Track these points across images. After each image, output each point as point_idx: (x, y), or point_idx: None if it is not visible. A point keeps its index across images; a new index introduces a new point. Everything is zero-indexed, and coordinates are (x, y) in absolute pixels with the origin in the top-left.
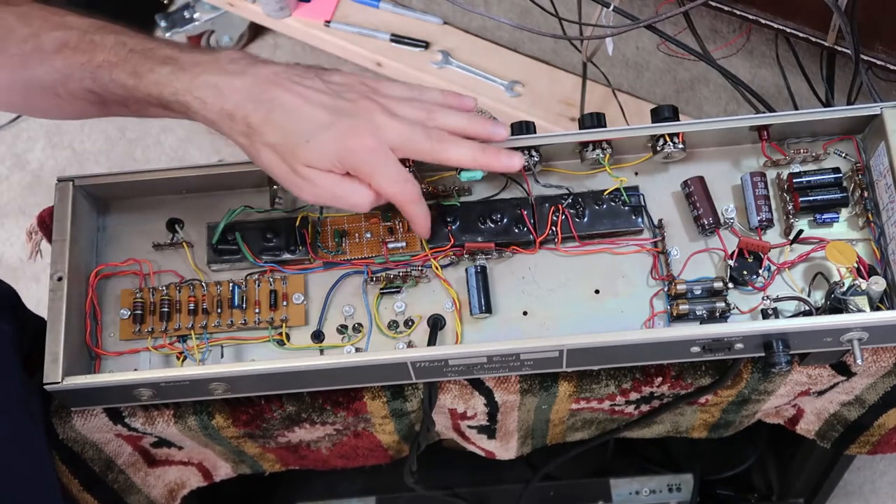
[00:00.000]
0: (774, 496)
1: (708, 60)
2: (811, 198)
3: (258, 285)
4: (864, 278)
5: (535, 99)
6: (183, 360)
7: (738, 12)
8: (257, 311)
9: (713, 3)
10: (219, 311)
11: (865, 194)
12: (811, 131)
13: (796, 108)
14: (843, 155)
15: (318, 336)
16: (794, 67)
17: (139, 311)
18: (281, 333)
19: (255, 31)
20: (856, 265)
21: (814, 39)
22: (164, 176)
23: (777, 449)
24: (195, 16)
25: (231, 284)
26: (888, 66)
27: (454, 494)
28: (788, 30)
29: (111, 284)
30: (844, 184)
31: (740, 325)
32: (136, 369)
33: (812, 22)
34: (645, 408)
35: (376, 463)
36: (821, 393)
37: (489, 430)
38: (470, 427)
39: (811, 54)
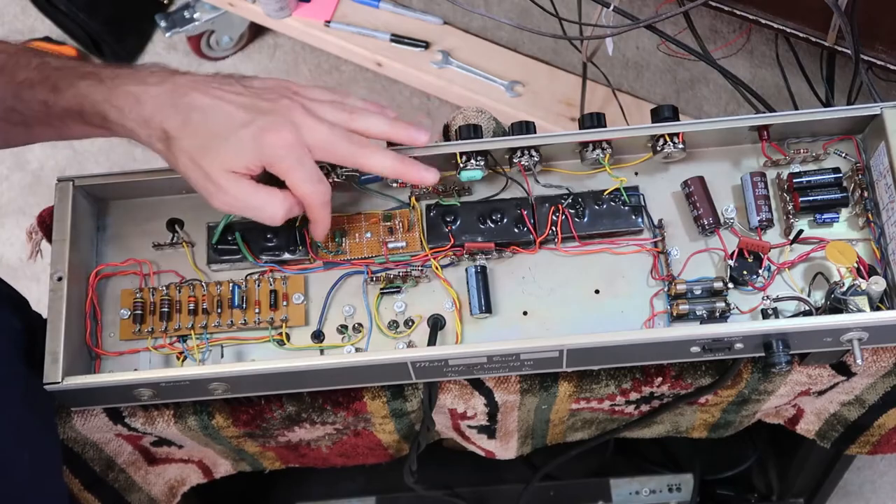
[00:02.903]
0: (774, 496)
1: (708, 60)
2: (811, 198)
3: (258, 285)
4: (864, 278)
5: (535, 99)
6: (183, 360)
7: (738, 12)
8: (257, 311)
9: (713, 3)
10: (219, 311)
11: (865, 194)
12: (811, 131)
13: (796, 108)
14: (844, 155)
15: (318, 336)
16: (794, 67)
17: (139, 311)
18: (281, 333)
19: (255, 31)
20: (856, 265)
21: (814, 39)
22: (164, 176)
23: (777, 449)
24: (195, 16)
25: (231, 284)
26: (888, 66)
27: (454, 494)
28: (788, 30)
29: (111, 284)
30: (844, 184)
31: (740, 326)
32: (136, 369)
33: (812, 22)
34: (645, 408)
35: (376, 461)
36: (821, 393)
37: (489, 430)
38: (470, 427)
39: (811, 54)
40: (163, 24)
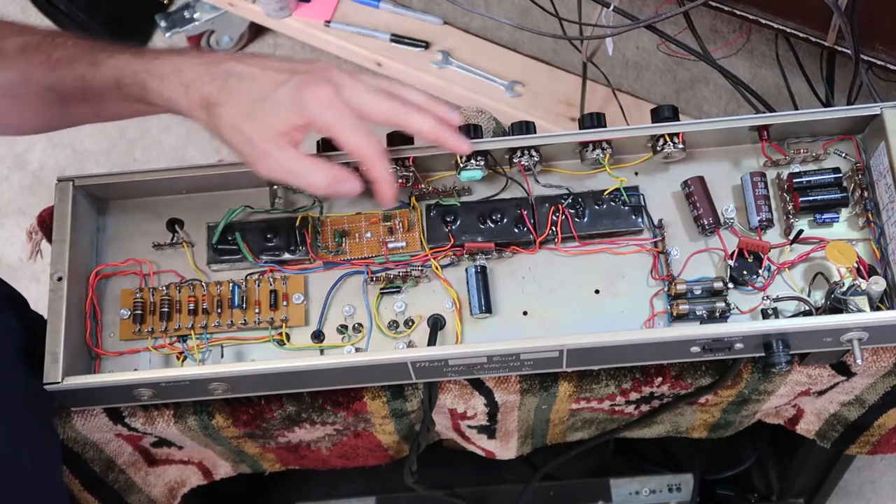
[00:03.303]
0: (774, 496)
1: (708, 60)
2: (811, 198)
3: (258, 285)
4: (864, 278)
5: (535, 99)
6: (183, 360)
7: (738, 12)
8: (257, 311)
9: (713, 3)
10: (219, 311)
11: (865, 194)
12: (811, 131)
13: (796, 108)
14: (844, 155)
15: (318, 336)
16: (794, 67)
17: (139, 311)
18: (281, 333)
19: (255, 31)
20: (856, 265)
21: (814, 39)
22: (164, 176)
23: (777, 449)
24: (195, 16)
25: (231, 284)
26: (888, 66)
27: (454, 494)
28: (788, 30)
29: (111, 284)
30: (844, 184)
31: (740, 326)
32: (136, 369)
33: (812, 22)
34: (645, 408)
35: (376, 463)
36: (821, 393)
37: (489, 430)
38: (470, 427)
39: (811, 54)
40: (163, 24)
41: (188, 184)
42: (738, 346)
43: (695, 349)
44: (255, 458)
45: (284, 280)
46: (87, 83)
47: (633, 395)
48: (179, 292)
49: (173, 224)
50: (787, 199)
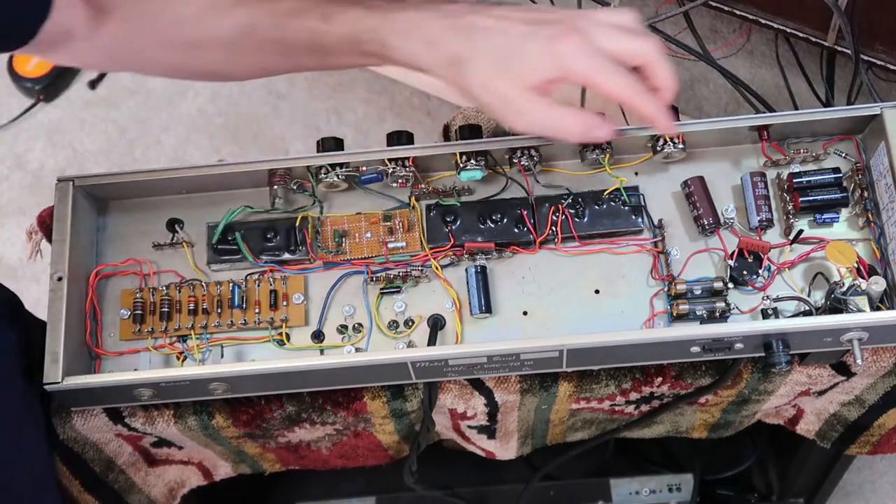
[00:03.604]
0: (774, 496)
1: (708, 60)
2: (811, 198)
3: (258, 285)
4: (864, 278)
5: None
6: (183, 360)
7: (738, 12)
8: (257, 311)
9: (713, 3)
10: (219, 311)
11: (865, 194)
12: (811, 131)
13: (796, 108)
14: (844, 155)
15: (318, 336)
16: (794, 67)
17: (139, 311)
18: (281, 333)
19: None
20: (856, 265)
21: (814, 39)
22: (164, 176)
23: (777, 449)
24: None
25: (231, 284)
26: (888, 66)
27: (454, 494)
28: (788, 30)
29: (111, 284)
30: (844, 184)
31: (740, 325)
32: (136, 369)
33: (812, 22)
34: (645, 408)
35: (376, 463)
36: (821, 393)
37: (489, 430)
38: (470, 427)
39: (811, 54)
40: None
41: (188, 184)
42: (739, 346)
43: (695, 349)
44: (256, 459)
45: (284, 280)
46: (318, 37)
47: (633, 395)
48: (179, 292)
49: (173, 224)
50: (788, 199)
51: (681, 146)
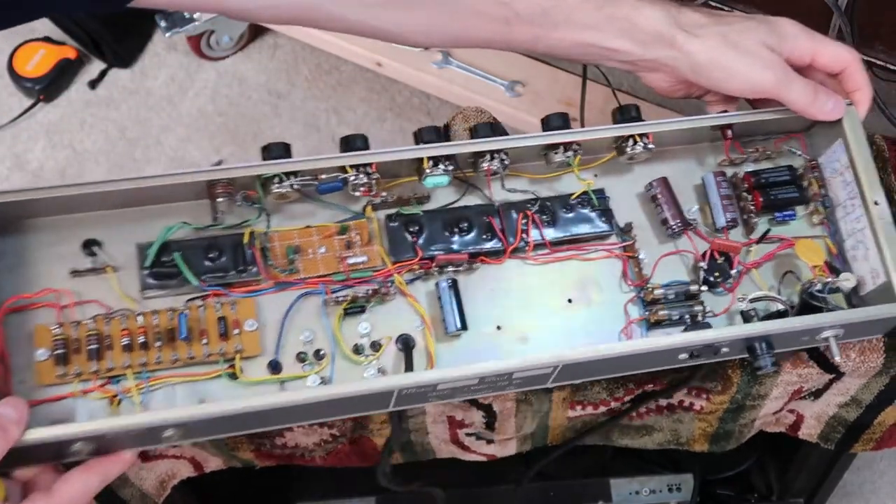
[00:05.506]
0: (774, 496)
1: None
2: (770, 196)
3: (203, 312)
4: (832, 275)
5: (535, 99)
6: (118, 406)
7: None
8: (205, 342)
9: (713, 3)
10: (159, 344)
11: (819, 191)
12: (765, 130)
13: None
14: (797, 153)
15: (275, 366)
16: None
17: (61, 351)
18: (233, 366)
19: (255, 31)
20: (825, 262)
21: None
22: (78, 192)
23: (777, 449)
24: (195, 16)
25: (172, 313)
26: (888, 66)
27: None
28: None
29: (20, 320)
30: (799, 181)
31: (728, 331)
32: (59, 421)
33: (812, 22)
34: (642, 409)
35: (373, 464)
36: (817, 396)
37: (487, 438)
38: (468, 434)
39: None
40: (163, 24)
41: (111, 199)
42: (725, 350)
43: (683, 356)
44: (249, 460)
45: (233, 305)
46: (546, 16)
47: (628, 398)
48: (109, 325)
49: (90, 245)
50: (748, 198)
51: (651, 146)
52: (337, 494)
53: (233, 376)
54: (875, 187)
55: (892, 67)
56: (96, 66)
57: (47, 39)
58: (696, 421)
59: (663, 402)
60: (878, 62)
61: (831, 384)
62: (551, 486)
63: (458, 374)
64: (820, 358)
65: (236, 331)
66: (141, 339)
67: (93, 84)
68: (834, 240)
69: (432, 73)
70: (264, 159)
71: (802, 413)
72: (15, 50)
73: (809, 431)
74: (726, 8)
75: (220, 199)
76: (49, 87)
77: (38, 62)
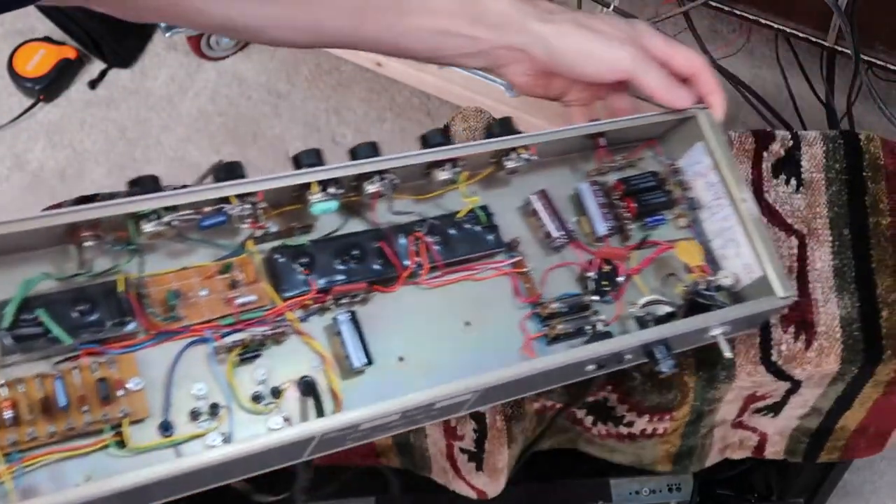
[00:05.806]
0: (774, 496)
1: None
2: (642, 201)
3: (79, 375)
4: (709, 274)
5: (535, 99)
6: None
7: (738, 12)
8: (85, 409)
9: (713, 3)
10: (30, 417)
11: (683, 194)
12: (626, 137)
13: (797, 109)
14: (659, 158)
15: (166, 428)
16: (794, 67)
17: None
18: (120, 434)
19: None
20: (703, 262)
21: (814, 39)
22: None
23: None
24: None
25: (41, 380)
26: (888, 66)
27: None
28: (788, 30)
29: None
30: (664, 186)
31: (630, 338)
32: None
33: (812, 22)
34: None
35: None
36: (777, 412)
37: (479, 459)
38: (462, 451)
39: (811, 54)
40: (162, 24)
41: None
42: (628, 356)
43: (590, 367)
44: None
45: (112, 364)
46: None
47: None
48: None
49: None
50: (621, 205)
51: (535, 157)
52: (337, 494)
53: (121, 444)
54: (741, 185)
55: (892, 67)
56: (96, 66)
57: (47, 39)
58: (657, 445)
59: (624, 430)
60: (878, 62)
61: (789, 397)
62: (551, 486)
63: (380, 412)
64: (773, 367)
65: (120, 392)
66: (8, 413)
67: (93, 84)
68: (700, 241)
69: (432, 73)
70: (132, 194)
71: (765, 431)
72: (15, 50)
73: (775, 449)
74: (726, 8)
75: (86, 244)
76: (49, 87)
77: (38, 62)
